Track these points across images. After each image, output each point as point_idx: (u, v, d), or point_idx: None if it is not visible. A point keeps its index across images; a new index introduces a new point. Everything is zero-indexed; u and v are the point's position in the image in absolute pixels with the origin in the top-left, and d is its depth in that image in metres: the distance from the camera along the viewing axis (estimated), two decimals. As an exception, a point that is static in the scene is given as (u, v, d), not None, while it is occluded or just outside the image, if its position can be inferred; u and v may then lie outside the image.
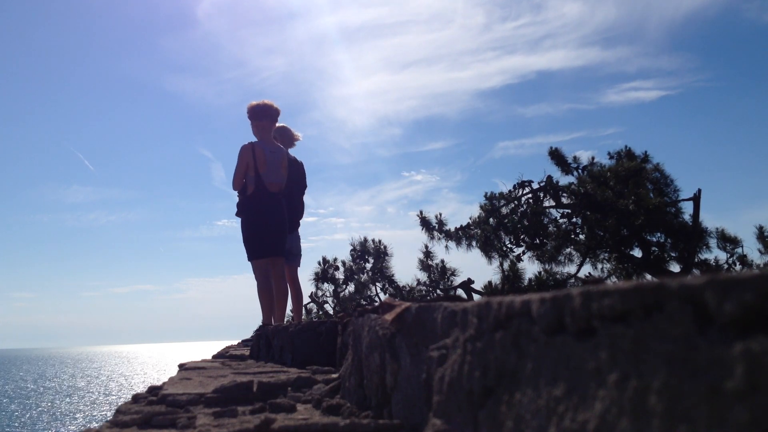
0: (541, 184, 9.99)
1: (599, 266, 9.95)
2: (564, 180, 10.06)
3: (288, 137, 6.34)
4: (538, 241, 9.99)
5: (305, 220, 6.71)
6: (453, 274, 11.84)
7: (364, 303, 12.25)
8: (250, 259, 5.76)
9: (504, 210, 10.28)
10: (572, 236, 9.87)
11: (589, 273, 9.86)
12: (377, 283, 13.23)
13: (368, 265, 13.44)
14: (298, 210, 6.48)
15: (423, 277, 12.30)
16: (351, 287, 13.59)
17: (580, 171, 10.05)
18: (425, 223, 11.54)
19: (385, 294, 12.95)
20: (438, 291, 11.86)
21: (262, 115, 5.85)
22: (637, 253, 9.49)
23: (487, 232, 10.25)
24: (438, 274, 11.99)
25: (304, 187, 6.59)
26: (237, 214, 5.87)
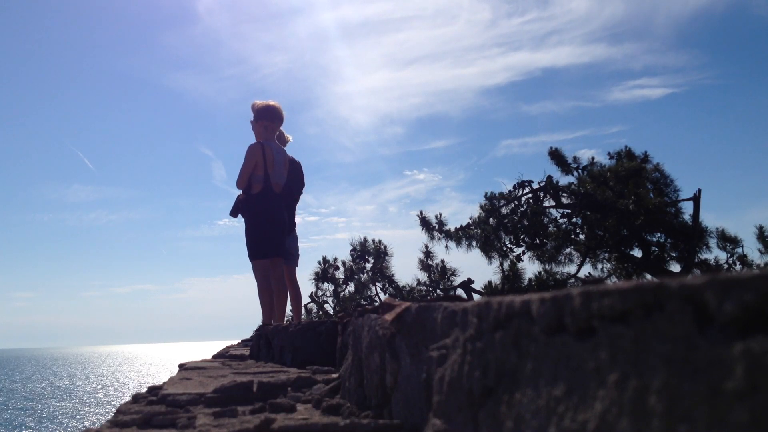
0: (541, 184, 10.00)
1: (599, 266, 9.96)
2: (564, 180, 10.07)
3: (281, 138, 6.35)
4: (538, 241, 9.99)
5: (307, 220, 6.72)
6: (453, 274, 11.85)
7: (364, 303, 12.25)
8: (252, 258, 5.74)
9: (504, 210, 10.28)
10: (572, 236, 9.87)
11: (589, 273, 9.87)
12: (377, 283, 13.24)
13: (368, 265, 13.44)
14: (296, 210, 6.48)
15: (423, 277, 12.31)
16: (351, 287, 13.59)
17: (580, 171, 10.05)
18: (425, 223, 11.55)
19: (385, 294, 12.95)
20: (438, 291, 11.86)
21: (274, 117, 5.85)
22: (637, 253, 9.49)
23: (487, 232, 10.25)
24: (438, 274, 11.99)
25: (302, 187, 6.60)
26: (233, 213, 5.82)
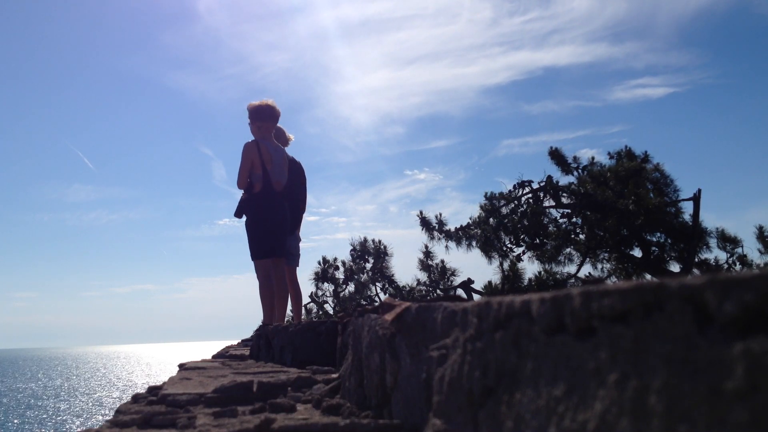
0: (541, 184, 10.00)
1: (599, 266, 9.96)
2: (564, 180, 10.08)
3: (282, 137, 6.32)
4: (538, 241, 9.99)
5: (307, 220, 6.70)
6: (453, 274, 11.85)
7: (364, 303, 12.25)
8: (254, 258, 5.73)
9: (504, 210, 10.29)
10: (572, 236, 9.87)
11: (589, 273, 9.87)
12: (377, 283, 13.24)
13: (368, 265, 13.45)
14: (298, 210, 6.46)
15: (423, 277, 12.32)
16: (351, 287, 13.60)
17: (580, 171, 10.06)
18: (425, 223, 11.55)
19: (385, 294, 12.96)
20: (438, 291, 11.86)
21: (266, 117, 5.81)
22: (637, 253, 9.49)
23: (487, 232, 10.26)
24: (438, 274, 12.00)
25: (305, 187, 6.58)
26: (237, 214, 5.81)
